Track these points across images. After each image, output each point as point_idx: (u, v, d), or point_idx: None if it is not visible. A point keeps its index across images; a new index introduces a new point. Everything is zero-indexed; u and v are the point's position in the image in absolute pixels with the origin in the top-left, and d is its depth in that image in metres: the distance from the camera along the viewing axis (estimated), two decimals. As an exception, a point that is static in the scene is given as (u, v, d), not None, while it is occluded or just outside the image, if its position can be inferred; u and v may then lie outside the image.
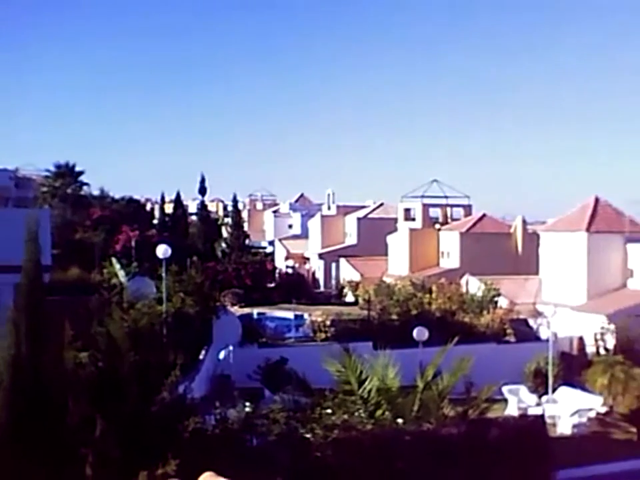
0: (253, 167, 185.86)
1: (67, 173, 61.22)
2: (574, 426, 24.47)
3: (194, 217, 74.76)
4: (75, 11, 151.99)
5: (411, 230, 58.55)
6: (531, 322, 36.95)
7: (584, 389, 26.72)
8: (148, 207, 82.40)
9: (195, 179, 71.61)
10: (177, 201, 71.51)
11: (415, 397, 14.76)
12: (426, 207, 60.69)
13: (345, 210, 72.06)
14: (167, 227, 66.09)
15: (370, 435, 13.54)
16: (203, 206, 72.66)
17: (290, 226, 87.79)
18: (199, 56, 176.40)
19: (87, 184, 63.23)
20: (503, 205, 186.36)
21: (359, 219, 68.18)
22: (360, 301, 44.62)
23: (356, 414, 14.50)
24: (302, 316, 37.05)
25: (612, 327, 36.64)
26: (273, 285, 58.34)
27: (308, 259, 70.97)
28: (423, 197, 60.92)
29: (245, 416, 13.62)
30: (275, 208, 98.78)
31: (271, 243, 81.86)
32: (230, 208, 72.75)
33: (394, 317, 35.33)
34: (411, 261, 56.79)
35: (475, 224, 57.09)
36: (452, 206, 62.10)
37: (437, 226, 59.52)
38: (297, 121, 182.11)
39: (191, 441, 11.91)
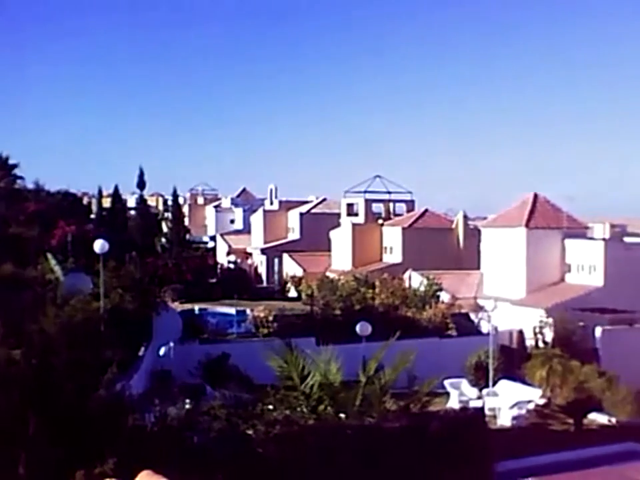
0: (194, 162, 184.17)
1: (0, 166, 59.46)
2: (513, 418, 24.83)
3: (133, 212, 73.45)
4: None
5: (354, 225, 58.76)
6: (472, 316, 37.41)
7: (523, 381, 27.12)
8: (85, 201, 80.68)
9: (134, 173, 70.49)
10: (115, 195, 70.06)
11: (357, 391, 14.70)
12: (369, 202, 61.00)
13: (287, 205, 71.93)
14: (104, 221, 64.70)
15: (312, 430, 13.45)
16: (142, 200, 71.33)
17: (232, 221, 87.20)
18: (138, 49, 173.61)
19: (21, 177, 61.49)
20: (445, 200, 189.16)
21: (301, 214, 68.12)
22: (303, 296, 44.53)
23: (298, 409, 14.39)
24: (244, 311, 36.71)
25: (550, 320, 37.44)
26: (214, 280, 57.79)
27: (250, 254, 70.63)
28: (365, 192, 61.25)
29: (185, 413, 13.39)
30: (216, 203, 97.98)
31: (213, 238, 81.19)
32: (170, 202, 71.64)
33: (337, 312, 35.35)
34: (354, 256, 57.02)
35: (417, 219, 57.64)
36: (395, 201, 62.59)
37: (380, 221, 59.89)
38: (238, 115, 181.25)
39: (129, 438, 11.63)
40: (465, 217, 57.87)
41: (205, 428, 12.89)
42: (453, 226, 57.65)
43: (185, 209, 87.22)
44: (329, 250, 60.29)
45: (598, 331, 36.33)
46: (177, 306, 40.13)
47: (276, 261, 64.59)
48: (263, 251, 67.32)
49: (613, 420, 25.36)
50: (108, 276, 25.22)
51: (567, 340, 34.51)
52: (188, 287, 50.11)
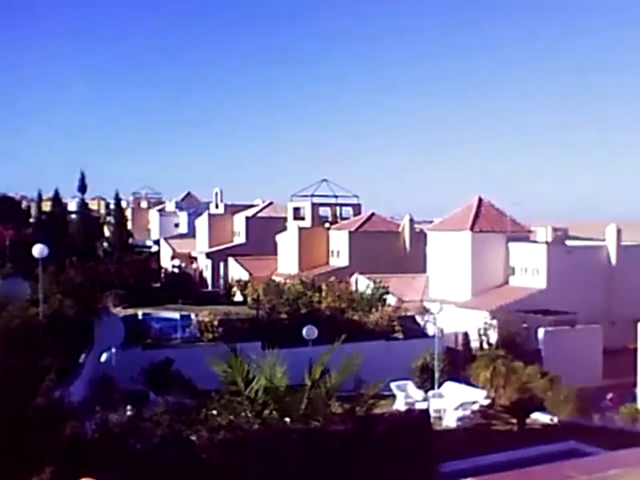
0: (137, 165, 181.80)
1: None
2: (458, 419, 25.05)
3: (74, 216, 71.97)
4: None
5: (301, 229, 58.67)
6: (418, 319, 37.66)
7: (468, 383, 27.37)
8: (24, 204, 78.91)
9: (76, 176, 69.02)
10: (55, 199, 68.47)
11: (302, 395, 14.56)
12: (315, 206, 61.01)
13: (233, 209, 71.44)
14: (44, 225, 63.28)
15: (256, 435, 13.27)
16: (83, 204, 69.97)
17: (176, 225, 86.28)
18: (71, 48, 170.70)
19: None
20: (392, 204, 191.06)
21: (247, 217, 67.76)
22: (249, 300, 44.27)
23: (242, 414, 14.19)
24: (188, 316, 36.27)
25: (495, 322, 37.92)
26: (158, 285, 57.00)
27: (195, 258, 69.92)
28: (312, 196, 61.24)
29: (127, 419, 13.09)
30: (160, 206, 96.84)
31: (157, 242, 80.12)
32: (112, 206, 70.45)
33: (283, 315, 35.23)
34: (300, 260, 56.90)
35: (364, 223, 57.82)
36: (341, 205, 62.76)
37: (327, 225, 59.93)
38: (183, 118, 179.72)
39: (68, 446, 11.29)
40: (411, 221, 58.29)
41: (148, 434, 12.63)
42: (400, 229, 57.99)
43: (128, 213, 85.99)
44: (275, 254, 60.08)
45: (541, 332, 36.96)
46: (120, 311, 39.36)
47: (221, 265, 64.06)
48: (208, 255, 66.71)
49: (555, 419, 25.77)
50: (47, 281, 24.66)
51: (511, 341, 34.99)
52: (131, 291, 49.19)
